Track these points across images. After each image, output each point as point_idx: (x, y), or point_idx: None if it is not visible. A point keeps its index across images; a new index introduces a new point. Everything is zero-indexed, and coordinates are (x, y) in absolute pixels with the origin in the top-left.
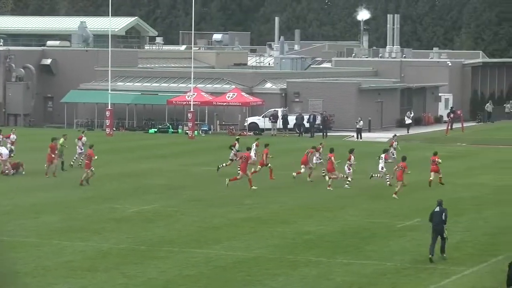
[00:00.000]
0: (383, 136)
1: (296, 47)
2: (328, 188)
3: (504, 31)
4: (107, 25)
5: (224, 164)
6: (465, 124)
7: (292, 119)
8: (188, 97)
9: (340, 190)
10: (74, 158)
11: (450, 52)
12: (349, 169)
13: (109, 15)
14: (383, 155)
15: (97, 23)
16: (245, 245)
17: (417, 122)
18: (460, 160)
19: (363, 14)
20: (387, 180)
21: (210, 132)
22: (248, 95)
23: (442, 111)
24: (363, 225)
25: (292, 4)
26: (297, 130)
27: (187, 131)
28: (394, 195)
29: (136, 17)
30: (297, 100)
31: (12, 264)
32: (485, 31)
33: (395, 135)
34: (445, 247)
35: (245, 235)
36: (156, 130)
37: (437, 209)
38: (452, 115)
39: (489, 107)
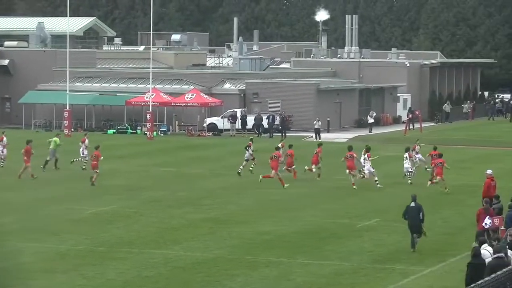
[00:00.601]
0: (342, 137)
1: (255, 47)
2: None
3: (462, 32)
4: (65, 26)
5: (241, 167)
6: (423, 124)
7: (251, 120)
8: (146, 97)
9: (299, 190)
10: (78, 159)
11: (408, 53)
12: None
13: (67, 16)
14: (406, 154)
15: (55, 24)
16: (204, 246)
17: (375, 122)
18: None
19: (322, 15)
20: (409, 178)
21: (169, 132)
22: (207, 96)
23: (401, 111)
24: (322, 225)
25: (251, 4)
26: (256, 131)
27: (145, 132)
28: (446, 190)
29: (94, 18)
30: (256, 100)
31: None
32: (442, 32)
33: (418, 140)
34: (418, 243)
35: (204, 236)
36: (114, 131)
37: (412, 204)
38: (410, 116)
39: (447, 107)
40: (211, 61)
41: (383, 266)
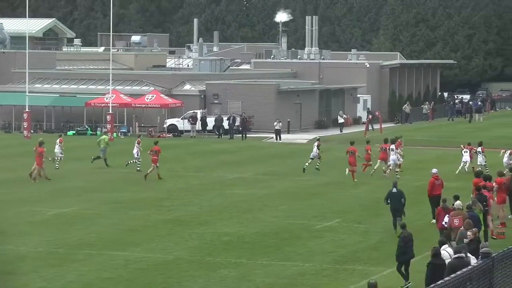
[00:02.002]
0: (302, 137)
1: (215, 48)
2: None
3: (421, 33)
4: (24, 27)
5: (307, 164)
6: (383, 125)
7: (211, 121)
8: (106, 99)
9: (259, 191)
10: (132, 161)
11: (368, 54)
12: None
13: (26, 17)
14: (392, 146)
15: (14, 25)
16: (164, 247)
17: (335, 123)
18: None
19: (282, 16)
20: (396, 173)
21: (129, 134)
22: (167, 97)
23: (361, 112)
24: (282, 226)
25: (211, 5)
26: (216, 132)
27: (108, 133)
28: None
29: (54, 19)
30: (216, 101)
31: None
32: (402, 33)
33: (401, 136)
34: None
35: (164, 237)
36: (74, 132)
37: (394, 190)
38: (370, 116)
39: (407, 108)
40: (171, 62)
41: (343, 267)
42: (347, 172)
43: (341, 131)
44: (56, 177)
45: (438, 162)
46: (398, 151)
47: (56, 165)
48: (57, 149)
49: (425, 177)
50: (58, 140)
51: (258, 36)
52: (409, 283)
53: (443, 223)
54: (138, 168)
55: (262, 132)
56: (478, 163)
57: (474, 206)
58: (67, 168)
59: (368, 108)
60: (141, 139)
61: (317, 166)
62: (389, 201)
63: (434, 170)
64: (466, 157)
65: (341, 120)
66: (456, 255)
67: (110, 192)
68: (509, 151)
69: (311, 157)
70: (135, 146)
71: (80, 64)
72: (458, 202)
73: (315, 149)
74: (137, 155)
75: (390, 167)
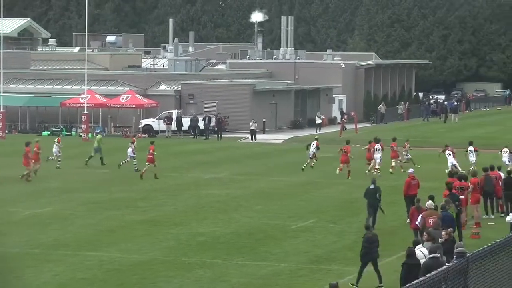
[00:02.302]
0: (278, 138)
1: (191, 49)
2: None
3: (397, 33)
4: None
5: (305, 164)
6: (358, 125)
7: (186, 121)
8: (82, 99)
9: (234, 191)
10: (125, 161)
11: (344, 54)
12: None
13: (0, 16)
14: (378, 145)
15: None
16: (139, 248)
17: (311, 123)
18: (354, 161)
19: (257, 16)
20: (375, 171)
21: (104, 134)
22: (142, 97)
23: (336, 112)
24: (257, 226)
25: (186, 6)
26: (191, 132)
27: (81, 134)
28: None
29: (29, 19)
30: (192, 102)
31: None
32: (377, 33)
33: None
34: (376, 221)
35: (139, 238)
36: (49, 132)
37: (372, 186)
38: (346, 117)
39: (382, 108)
40: (146, 62)
41: (319, 267)
42: (338, 172)
43: (319, 131)
44: (33, 178)
45: (415, 162)
46: (405, 153)
47: (58, 165)
48: (55, 148)
49: (399, 178)
50: (56, 140)
51: (233, 36)
52: (381, 286)
53: (417, 223)
54: (136, 168)
55: (237, 132)
56: (471, 162)
57: (448, 206)
58: (44, 168)
59: (342, 109)
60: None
61: (304, 166)
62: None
63: (411, 170)
64: (451, 159)
65: (318, 121)
66: (431, 255)
67: (86, 192)
68: (507, 150)
69: (309, 156)
70: (130, 146)
71: (55, 64)
72: (429, 202)
73: (312, 147)
74: (133, 154)
75: (377, 166)
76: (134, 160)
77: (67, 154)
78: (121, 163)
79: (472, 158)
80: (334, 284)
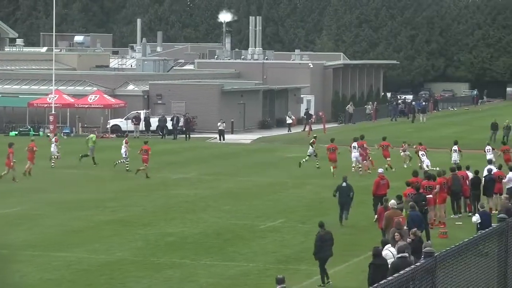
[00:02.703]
0: (246, 138)
1: (159, 49)
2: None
3: (365, 33)
4: None
5: (304, 160)
6: (326, 125)
7: (154, 121)
8: (49, 99)
9: (202, 191)
10: (120, 161)
11: (312, 54)
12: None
13: None
14: (355, 144)
15: None
16: (108, 248)
17: (279, 123)
18: (322, 161)
19: (225, 16)
20: (359, 170)
21: (72, 134)
22: (110, 97)
23: (304, 112)
24: (226, 227)
25: (154, 5)
26: (159, 132)
27: (48, 134)
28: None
29: None
30: (160, 102)
31: None
32: (345, 33)
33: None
34: (348, 217)
35: (108, 238)
36: (17, 132)
37: (344, 184)
38: (314, 117)
39: (350, 108)
40: (114, 62)
41: (287, 267)
42: (332, 170)
43: (289, 131)
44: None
45: (381, 163)
46: (407, 153)
47: (52, 164)
48: (53, 148)
49: (367, 178)
50: (53, 139)
51: (201, 36)
52: (328, 282)
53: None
54: (127, 168)
55: (205, 133)
56: (453, 161)
57: (407, 205)
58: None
59: (307, 109)
60: (128, 139)
61: (317, 165)
62: (336, 195)
63: (380, 170)
64: (425, 159)
65: (289, 121)
66: (399, 255)
67: (55, 192)
68: (490, 148)
69: (308, 154)
70: (123, 146)
71: (23, 64)
72: (392, 201)
73: (313, 147)
74: (125, 154)
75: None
76: (127, 161)
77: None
78: (116, 163)
79: (456, 157)
80: (280, 278)
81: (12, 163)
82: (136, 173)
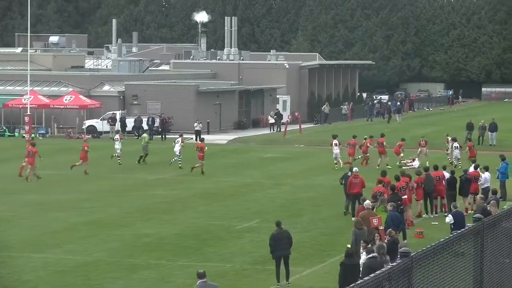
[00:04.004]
0: (222, 138)
1: (134, 49)
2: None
3: (340, 33)
4: None
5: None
6: (302, 126)
7: (130, 122)
8: (24, 100)
9: (179, 192)
10: (174, 159)
11: (288, 54)
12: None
13: None
14: (336, 141)
15: None
16: (84, 249)
17: (255, 124)
18: (298, 161)
19: (201, 16)
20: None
21: (47, 135)
22: (85, 98)
23: (275, 112)
24: (203, 227)
25: (130, 6)
26: (135, 133)
27: (24, 135)
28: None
29: None
30: (136, 102)
31: None
32: (321, 34)
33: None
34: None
35: (84, 239)
36: None
37: (349, 173)
38: (290, 117)
39: (326, 108)
40: (90, 63)
41: (264, 267)
42: (341, 165)
43: (273, 130)
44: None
45: (359, 162)
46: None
47: (118, 160)
48: (117, 145)
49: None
50: (117, 136)
51: (177, 36)
52: (288, 284)
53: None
54: (180, 165)
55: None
56: (454, 157)
57: (381, 204)
58: None
59: (278, 110)
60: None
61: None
62: (343, 182)
63: (355, 169)
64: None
65: (271, 120)
66: (369, 255)
67: (31, 194)
68: (458, 145)
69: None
70: (178, 144)
71: None
72: (367, 201)
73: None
74: (179, 152)
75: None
76: (180, 159)
77: (10, 156)
78: (171, 161)
79: (457, 153)
80: (201, 273)
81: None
82: (191, 171)
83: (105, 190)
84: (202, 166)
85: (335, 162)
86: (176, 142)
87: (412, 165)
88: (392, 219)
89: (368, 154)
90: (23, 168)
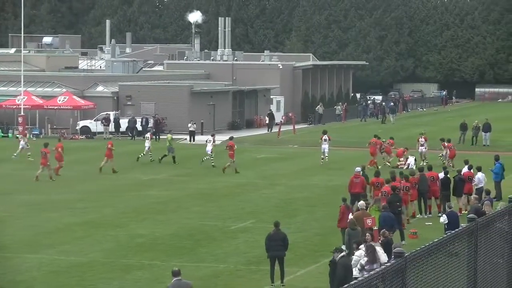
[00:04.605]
0: (216, 139)
1: (128, 50)
2: None
3: (334, 34)
4: None
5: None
6: (296, 126)
7: (124, 122)
8: (18, 100)
9: (173, 192)
10: (206, 158)
11: (281, 55)
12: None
13: None
14: (325, 136)
15: None
16: (78, 249)
17: (249, 124)
18: (292, 161)
19: (194, 16)
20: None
21: (41, 136)
22: (79, 99)
23: (274, 113)
24: (197, 227)
25: (123, 7)
26: (129, 133)
27: (17, 135)
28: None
29: None
30: (129, 103)
31: None
32: (315, 34)
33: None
34: None
35: (78, 239)
36: None
37: (358, 169)
38: (284, 117)
39: (319, 109)
40: (83, 63)
41: (258, 268)
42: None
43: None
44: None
45: (350, 163)
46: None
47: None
48: (147, 143)
49: (337, 178)
50: (169, 136)
51: (171, 37)
52: (282, 285)
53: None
54: (213, 164)
55: (175, 133)
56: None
57: (375, 204)
58: None
59: (270, 111)
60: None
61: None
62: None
63: (357, 169)
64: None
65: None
66: (340, 254)
67: (25, 194)
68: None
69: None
70: (210, 144)
71: None
72: (361, 202)
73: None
74: (210, 151)
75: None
76: (212, 157)
77: (4, 156)
78: (203, 160)
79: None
80: (176, 271)
81: (48, 163)
82: (223, 171)
83: (100, 190)
84: (233, 164)
85: (321, 157)
86: (208, 141)
87: (408, 162)
88: (384, 220)
89: (392, 154)
90: (58, 169)
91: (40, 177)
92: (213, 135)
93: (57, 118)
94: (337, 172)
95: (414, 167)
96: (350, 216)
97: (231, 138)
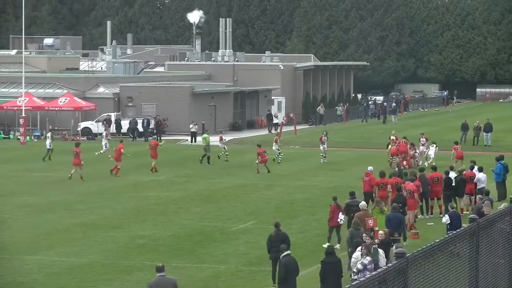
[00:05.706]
0: (217, 140)
1: (129, 51)
2: None
3: (335, 35)
4: None
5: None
6: (297, 127)
7: (125, 124)
8: (19, 102)
9: (173, 193)
10: (221, 153)
11: (282, 56)
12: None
13: None
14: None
15: None
16: (78, 251)
17: (250, 125)
18: (293, 162)
19: (195, 15)
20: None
21: (42, 137)
22: (80, 100)
23: (266, 114)
24: (197, 229)
25: (124, 8)
26: (130, 135)
27: (18, 137)
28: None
29: None
30: (130, 104)
31: None
32: (316, 35)
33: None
34: None
35: (78, 241)
36: None
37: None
38: (285, 118)
39: (321, 109)
40: (84, 65)
41: (259, 268)
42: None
43: (275, 130)
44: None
45: (351, 164)
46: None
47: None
48: (220, 144)
49: (338, 179)
50: (219, 136)
51: (171, 38)
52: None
53: (338, 220)
54: (226, 159)
55: (177, 135)
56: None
57: (377, 206)
58: None
59: (269, 111)
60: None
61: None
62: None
63: (369, 168)
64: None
65: (276, 121)
66: (284, 253)
67: (24, 195)
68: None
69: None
70: (220, 143)
71: None
72: (363, 203)
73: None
74: (224, 148)
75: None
76: (227, 153)
77: (5, 157)
78: (220, 155)
79: (432, 153)
80: (160, 267)
81: (81, 162)
82: (257, 172)
83: (98, 191)
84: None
85: (321, 155)
86: (220, 141)
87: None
88: (390, 221)
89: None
90: (115, 171)
91: (73, 176)
92: (221, 132)
93: (58, 120)
94: (338, 173)
95: (433, 157)
96: (341, 215)
97: (259, 146)
